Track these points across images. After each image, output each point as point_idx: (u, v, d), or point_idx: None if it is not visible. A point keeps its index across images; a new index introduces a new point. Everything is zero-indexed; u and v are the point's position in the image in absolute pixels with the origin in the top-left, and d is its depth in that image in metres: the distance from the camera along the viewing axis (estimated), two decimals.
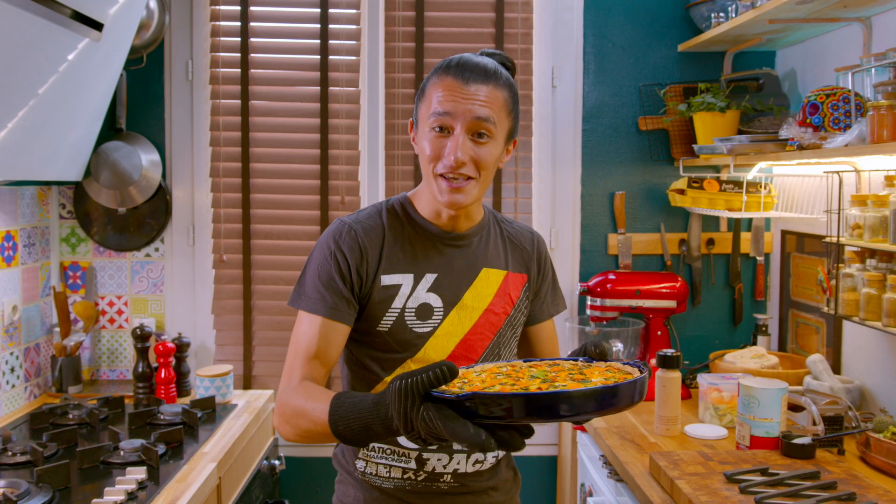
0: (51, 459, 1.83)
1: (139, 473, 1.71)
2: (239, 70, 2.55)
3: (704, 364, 2.34)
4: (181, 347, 2.43)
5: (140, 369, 2.33)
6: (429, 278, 1.34)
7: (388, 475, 1.35)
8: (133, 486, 1.65)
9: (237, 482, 2.09)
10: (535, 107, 2.60)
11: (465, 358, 1.35)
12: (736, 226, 2.63)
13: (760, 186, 2.40)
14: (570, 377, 1.04)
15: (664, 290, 2.38)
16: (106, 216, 2.55)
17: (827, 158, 1.89)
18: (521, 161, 2.61)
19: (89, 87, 2.10)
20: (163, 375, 2.34)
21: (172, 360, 2.39)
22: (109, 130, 2.50)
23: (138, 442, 1.88)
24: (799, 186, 2.37)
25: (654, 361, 2.24)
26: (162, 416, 2.14)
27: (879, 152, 1.66)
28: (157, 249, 2.60)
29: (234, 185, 2.58)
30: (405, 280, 1.33)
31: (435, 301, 1.33)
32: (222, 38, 2.56)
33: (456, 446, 1.34)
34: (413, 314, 1.32)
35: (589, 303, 2.42)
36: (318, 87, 2.57)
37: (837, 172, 1.96)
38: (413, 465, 1.34)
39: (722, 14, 2.32)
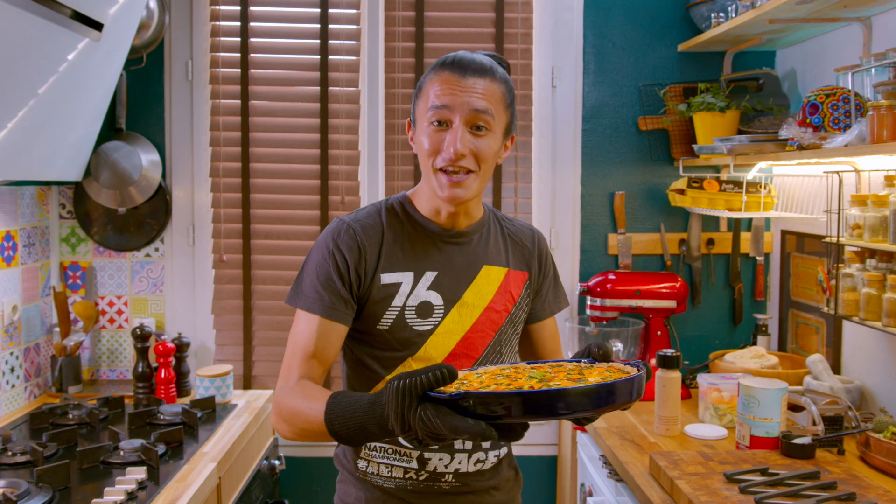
0: (51, 459, 1.83)
1: (139, 473, 1.71)
2: (239, 70, 2.55)
3: (704, 364, 2.35)
4: (181, 347, 2.43)
5: (140, 369, 2.33)
6: (429, 276, 1.34)
7: (389, 475, 1.35)
8: (133, 486, 1.65)
9: (237, 482, 2.09)
10: (535, 107, 2.61)
11: (466, 356, 1.35)
12: (736, 226, 2.63)
13: (760, 186, 2.40)
14: (568, 377, 1.04)
15: (664, 290, 2.38)
16: (106, 216, 2.55)
17: (827, 158, 1.89)
18: (521, 161, 2.61)
19: (89, 87, 2.10)
20: (163, 375, 2.35)
21: (172, 360, 2.39)
22: (109, 130, 2.49)
23: (138, 442, 1.88)
24: (799, 186, 2.37)
25: (654, 361, 2.24)
26: (162, 416, 2.14)
27: (879, 152, 1.66)
28: (157, 249, 2.60)
29: (234, 185, 2.58)
30: (405, 278, 1.33)
31: (435, 299, 1.33)
32: (222, 38, 2.56)
33: (457, 445, 1.34)
34: (413, 312, 1.32)
35: (589, 303, 2.42)
36: (318, 87, 2.57)
37: (837, 172, 1.96)
38: (415, 464, 1.34)
39: (722, 14, 2.32)
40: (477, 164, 1.27)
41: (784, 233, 2.53)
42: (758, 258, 2.63)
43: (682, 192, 2.48)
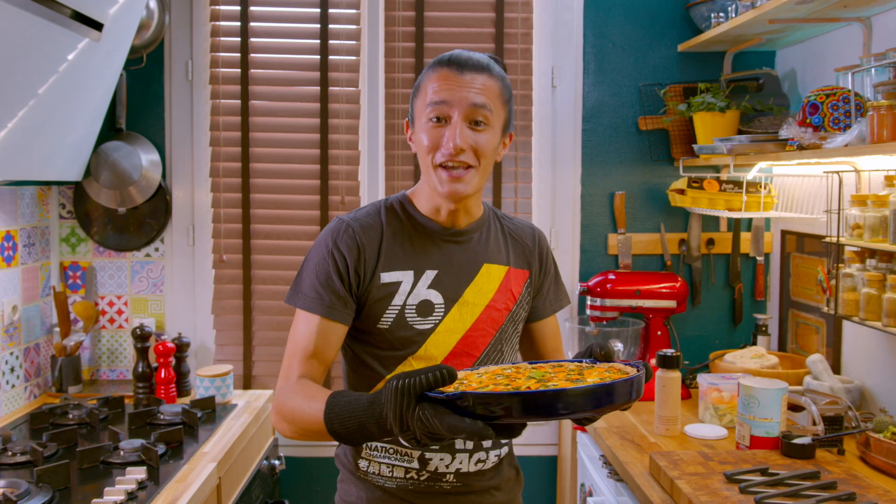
0: (51, 459, 1.83)
1: (139, 473, 1.71)
2: (239, 70, 2.55)
3: (704, 364, 2.35)
4: (181, 347, 2.43)
5: (140, 369, 2.33)
6: (429, 275, 1.34)
7: (390, 475, 1.35)
8: (133, 486, 1.65)
9: (237, 482, 2.09)
10: (535, 107, 2.61)
11: (467, 355, 1.35)
12: (736, 226, 2.63)
13: (760, 186, 2.40)
14: (567, 378, 1.04)
15: (664, 290, 2.38)
16: (106, 216, 2.55)
17: (827, 158, 1.89)
18: (521, 161, 2.61)
19: (89, 87, 2.10)
20: (163, 375, 2.34)
21: (172, 360, 2.39)
22: (109, 130, 2.49)
23: (138, 442, 1.87)
24: (799, 186, 2.37)
25: (654, 361, 2.24)
26: (162, 416, 2.14)
27: (879, 152, 1.66)
28: (157, 249, 2.60)
29: (234, 185, 2.58)
30: (405, 277, 1.33)
31: (436, 297, 1.33)
32: (222, 38, 2.56)
33: (458, 445, 1.34)
34: (413, 311, 1.32)
35: (589, 303, 2.42)
36: (318, 87, 2.57)
37: (837, 172, 1.96)
38: (416, 464, 1.34)
39: (722, 14, 2.32)
40: (476, 160, 1.27)
41: (784, 233, 2.53)
42: (758, 258, 2.63)
43: (682, 192, 2.48)
